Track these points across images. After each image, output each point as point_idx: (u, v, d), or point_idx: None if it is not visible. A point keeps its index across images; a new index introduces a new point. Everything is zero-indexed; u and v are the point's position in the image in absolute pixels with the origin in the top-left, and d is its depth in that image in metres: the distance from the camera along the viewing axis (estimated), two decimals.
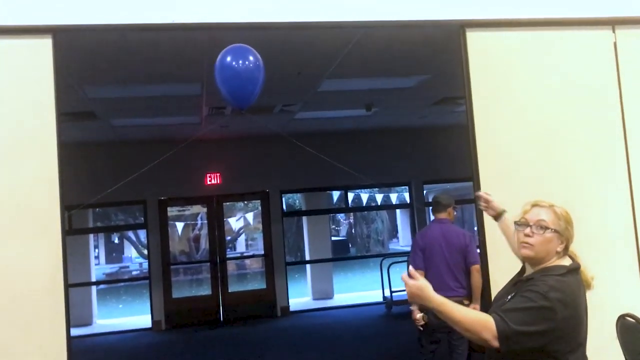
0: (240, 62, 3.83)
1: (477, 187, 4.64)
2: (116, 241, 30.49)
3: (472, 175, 4.70)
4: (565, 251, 2.34)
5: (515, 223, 2.39)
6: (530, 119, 4.77)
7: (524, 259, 2.39)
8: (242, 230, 22.38)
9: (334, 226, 28.25)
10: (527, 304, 2.12)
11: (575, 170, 4.79)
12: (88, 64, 5.35)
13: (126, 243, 27.44)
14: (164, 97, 7.04)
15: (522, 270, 2.46)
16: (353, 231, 27.44)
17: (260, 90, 3.97)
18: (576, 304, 2.21)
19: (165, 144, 9.74)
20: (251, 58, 3.86)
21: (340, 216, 28.56)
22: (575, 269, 2.31)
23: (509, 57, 4.79)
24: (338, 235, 27.47)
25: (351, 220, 27.58)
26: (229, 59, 3.82)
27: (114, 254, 30.51)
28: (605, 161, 4.86)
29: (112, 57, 5.25)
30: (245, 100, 3.95)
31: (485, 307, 4.67)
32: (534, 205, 2.39)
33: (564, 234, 2.33)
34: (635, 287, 4.79)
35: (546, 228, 2.30)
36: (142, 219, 10.30)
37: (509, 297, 2.25)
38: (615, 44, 4.93)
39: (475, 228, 4.77)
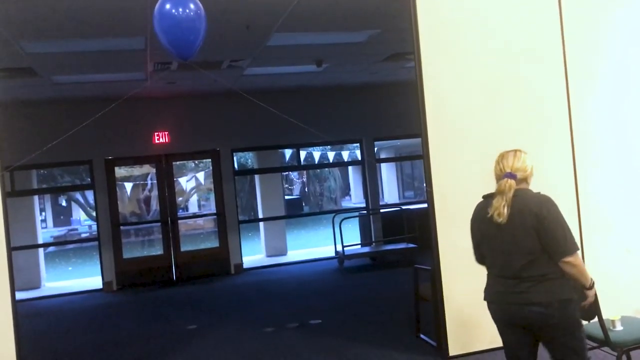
0: (180, 10, 3.69)
1: (425, 143, 4.70)
2: (64, 204, 29.73)
3: (420, 131, 4.75)
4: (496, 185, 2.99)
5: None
6: (477, 76, 4.84)
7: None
8: (194, 191, 22.16)
9: (287, 185, 28.28)
10: None
11: (520, 126, 4.91)
12: (23, 16, 5.07)
13: (74, 205, 26.79)
14: (106, 52, 6.78)
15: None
16: (306, 190, 27.56)
17: (202, 41, 3.85)
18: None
19: (111, 102, 9.46)
20: (192, 6, 3.73)
21: (294, 175, 28.58)
22: (485, 197, 3.06)
23: (457, 14, 4.80)
24: (291, 194, 27.54)
25: (304, 179, 27.65)
26: (167, 6, 3.67)
27: (62, 217, 29.76)
28: (549, 118, 5.00)
29: (48, 8, 4.98)
30: (187, 51, 3.83)
31: (433, 256, 4.80)
32: (503, 156, 3.07)
33: (495, 173, 3.02)
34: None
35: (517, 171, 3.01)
36: (89, 180, 10.02)
37: None
38: (559, 2, 5.00)
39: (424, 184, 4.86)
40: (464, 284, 4.73)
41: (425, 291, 5.18)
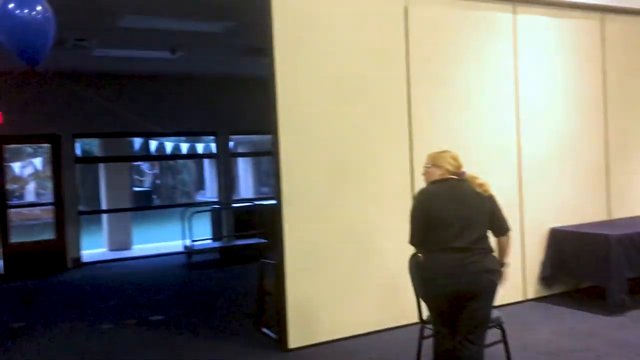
0: (26, 11, 3.38)
1: (275, 140, 4.73)
2: None
3: (272, 128, 4.77)
4: (446, 174, 3.45)
5: None
6: (330, 77, 4.96)
7: None
8: (31, 178, 20.34)
9: (137, 177, 26.99)
10: None
11: (366, 128, 5.12)
12: None
13: None
14: None
15: None
16: (158, 182, 26.55)
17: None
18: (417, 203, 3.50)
19: None
20: (39, 8, 3.43)
21: (145, 166, 27.37)
22: (436, 180, 3.48)
23: (311, 14, 4.89)
24: (142, 186, 26.36)
25: (157, 171, 26.61)
26: (11, 6, 3.34)
27: None
28: (392, 122, 5.27)
29: None
30: (35, 55, 3.60)
31: (279, 250, 4.85)
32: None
33: (438, 165, 3.49)
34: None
35: (427, 167, 3.58)
36: None
37: None
38: (406, 8, 5.30)
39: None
40: (308, 278, 4.84)
41: (270, 285, 5.22)
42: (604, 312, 5.36)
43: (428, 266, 3.36)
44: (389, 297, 5.19)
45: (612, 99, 6.54)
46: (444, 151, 3.56)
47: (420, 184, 5.24)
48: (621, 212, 6.59)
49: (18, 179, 16.76)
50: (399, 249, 5.22)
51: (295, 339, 4.78)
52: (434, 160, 3.53)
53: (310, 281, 4.86)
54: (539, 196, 6.03)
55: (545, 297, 6.01)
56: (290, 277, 4.77)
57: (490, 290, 3.32)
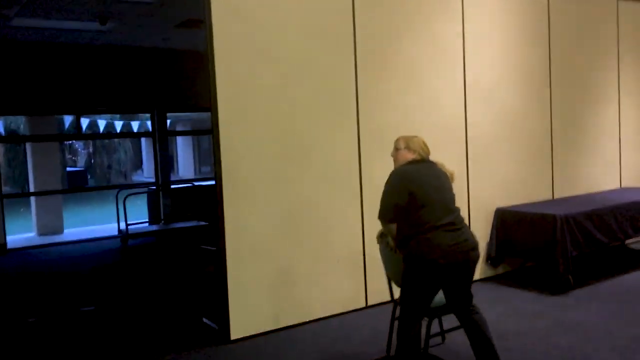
0: None
1: (215, 117, 4.40)
2: None
3: (211, 104, 4.43)
4: (417, 157, 3.50)
5: None
6: (273, 53, 4.64)
7: None
8: None
9: (70, 156, 25.80)
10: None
11: (311, 108, 4.85)
12: None
13: None
14: None
15: None
16: (92, 161, 25.46)
17: None
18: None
19: None
20: None
21: (78, 145, 26.15)
22: (413, 161, 3.48)
23: None
24: (75, 166, 25.22)
25: (90, 150, 25.50)
26: None
27: None
28: (340, 102, 5.02)
29: None
30: None
31: (219, 236, 4.54)
32: (395, 141, 3.62)
33: (412, 148, 3.51)
34: (356, 210, 5.13)
35: (398, 149, 3.57)
36: None
37: None
38: None
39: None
40: (250, 264, 4.57)
41: (210, 272, 4.92)
42: (550, 292, 5.35)
43: (423, 247, 3.22)
44: (336, 282, 5.00)
45: (557, 77, 6.52)
46: (414, 136, 3.60)
47: (369, 164, 5.12)
48: (565, 191, 6.63)
49: None
50: (347, 232, 5.06)
51: (238, 329, 4.52)
52: (408, 143, 3.55)
53: (253, 267, 4.59)
54: (485, 175, 5.96)
55: (491, 277, 5.98)
56: (231, 263, 4.48)
57: (475, 264, 3.40)
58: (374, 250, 5.13)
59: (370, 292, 5.19)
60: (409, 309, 3.34)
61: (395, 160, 3.57)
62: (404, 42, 5.36)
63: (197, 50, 7.98)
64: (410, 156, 3.50)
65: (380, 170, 5.13)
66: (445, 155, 4.20)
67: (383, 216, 3.41)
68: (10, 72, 8.78)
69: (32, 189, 10.53)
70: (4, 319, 5.43)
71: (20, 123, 16.45)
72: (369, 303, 5.18)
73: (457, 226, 3.30)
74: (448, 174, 3.50)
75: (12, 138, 15.66)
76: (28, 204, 11.53)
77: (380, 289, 5.18)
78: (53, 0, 6.40)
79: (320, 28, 4.89)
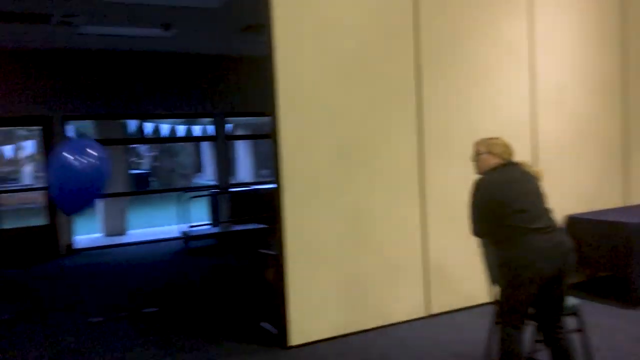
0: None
1: (275, 121, 4.38)
2: None
3: (272, 108, 4.40)
4: (503, 162, 3.32)
5: None
6: (333, 55, 4.59)
7: None
8: (27, 161, 20.00)
9: (135, 159, 26.63)
10: None
11: (372, 109, 4.76)
12: None
13: None
14: None
15: None
16: (156, 164, 26.19)
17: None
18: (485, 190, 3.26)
19: None
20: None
21: (143, 149, 26.98)
22: (494, 168, 3.31)
23: None
24: (140, 169, 26.02)
25: (154, 154, 26.25)
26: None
27: None
28: (400, 102, 4.90)
29: None
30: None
31: (279, 240, 4.52)
32: (474, 144, 3.44)
33: (494, 152, 3.33)
34: (417, 217, 4.99)
35: (479, 153, 3.40)
36: None
37: None
38: None
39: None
40: (310, 269, 4.51)
41: (269, 277, 4.90)
42: (623, 304, 5.05)
43: (518, 252, 3.10)
44: (398, 290, 4.87)
45: (633, 78, 6.17)
46: (495, 138, 3.42)
47: (431, 168, 4.97)
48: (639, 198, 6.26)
49: (11, 162, 16.41)
50: (408, 239, 4.93)
51: (297, 335, 4.47)
52: (489, 147, 3.37)
53: (313, 273, 4.54)
54: (555, 182, 5.67)
55: None
56: (291, 268, 4.44)
57: (572, 269, 3.22)
58: (437, 258, 5.00)
59: (434, 301, 5.03)
60: (510, 317, 3.19)
61: (476, 166, 3.41)
62: (468, 43, 5.18)
63: (257, 56, 8.01)
64: (493, 161, 3.33)
65: (442, 175, 5.01)
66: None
67: (476, 232, 3.29)
68: (78, 78, 9.11)
69: None
70: (70, 319, 5.59)
71: (89, 128, 17.09)
72: (433, 312, 5.03)
73: (551, 228, 3.15)
74: (534, 173, 3.33)
75: None
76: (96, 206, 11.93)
77: (445, 298, 5.05)
78: (118, 8, 6.57)
79: (381, 29, 4.79)
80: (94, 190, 4.86)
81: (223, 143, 10.80)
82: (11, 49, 8.47)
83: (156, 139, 16.81)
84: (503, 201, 3.15)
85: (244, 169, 24.48)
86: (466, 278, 5.08)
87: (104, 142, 10.58)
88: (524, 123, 5.50)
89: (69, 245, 9.27)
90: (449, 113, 5.07)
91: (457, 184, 4.76)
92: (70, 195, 4.69)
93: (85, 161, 4.74)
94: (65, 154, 4.65)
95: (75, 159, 4.65)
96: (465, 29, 5.16)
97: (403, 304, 4.90)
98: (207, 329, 5.07)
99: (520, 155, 5.44)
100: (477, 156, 3.40)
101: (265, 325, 4.93)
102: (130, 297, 6.35)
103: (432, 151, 4.99)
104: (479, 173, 3.37)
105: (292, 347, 4.44)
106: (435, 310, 5.03)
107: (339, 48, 4.60)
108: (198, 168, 26.22)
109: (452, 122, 5.06)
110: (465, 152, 4.69)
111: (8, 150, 13.04)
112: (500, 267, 3.22)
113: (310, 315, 4.53)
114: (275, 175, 4.45)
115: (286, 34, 4.36)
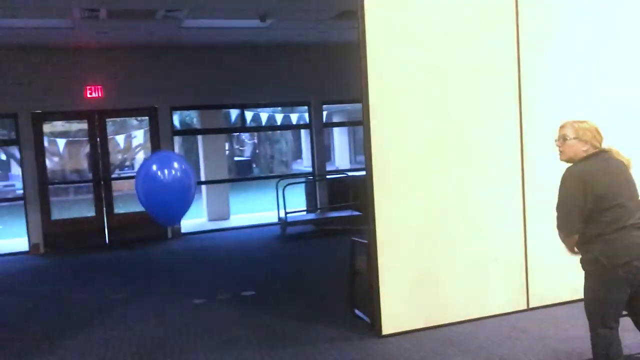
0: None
1: (365, 108, 4.35)
2: (3, 157, 28.36)
3: (363, 95, 4.37)
4: (592, 149, 3.04)
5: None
6: (426, 38, 4.47)
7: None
8: (139, 149, 21.30)
9: (238, 146, 27.62)
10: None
11: (468, 93, 4.59)
12: None
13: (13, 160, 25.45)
14: None
15: None
16: (257, 152, 27.01)
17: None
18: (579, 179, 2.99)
19: (36, 50, 8.72)
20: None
21: (245, 136, 27.92)
22: (589, 156, 3.04)
23: None
24: (242, 156, 26.96)
25: (255, 141, 27.08)
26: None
27: (0, 171, 28.48)
28: (498, 87, 4.69)
29: None
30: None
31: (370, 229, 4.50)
32: (560, 127, 3.14)
33: (583, 139, 3.03)
34: (518, 206, 4.78)
35: (569, 139, 3.06)
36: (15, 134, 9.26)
37: None
38: None
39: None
40: (402, 259, 4.46)
41: (362, 265, 4.90)
42: None
43: (613, 248, 2.90)
44: (494, 282, 4.71)
45: None
46: (584, 122, 3.11)
47: (533, 155, 4.72)
48: None
49: (125, 150, 17.53)
50: (506, 230, 4.73)
51: (389, 325, 4.44)
52: (578, 132, 3.06)
53: (405, 263, 4.48)
54: None
55: None
56: (383, 257, 4.41)
57: None
58: (537, 250, 4.77)
59: (533, 294, 4.81)
60: (603, 318, 2.98)
61: (562, 152, 3.13)
62: (574, 16, 4.85)
63: (352, 42, 7.98)
64: (581, 148, 3.04)
65: (546, 162, 4.72)
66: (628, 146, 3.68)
67: (566, 228, 3.00)
68: (182, 70, 9.53)
69: (202, 178, 11.38)
70: (174, 299, 5.91)
71: (194, 117, 17.92)
72: (531, 305, 4.81)
73: None
74: (626, 162, 3.08)
75: (185, 131, 17.13)
76: (200, 192, 12.49)
77: (545, 291, 4.82)
78: (218, 2, 6.78)
79: (479, 13, 4.59)
80: (182, 206, 5.27)
81: (319, 130, 10.91)
82: (121, 45, 9.01)
83: (254, 128, 17.36)
84: (600, 194, 2.91)
85: (342, 155, 24.63)
86: (569, 270, 4.78)
87: (204, 131, 11.10)
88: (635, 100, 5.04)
89: (176, 229, 9.78)
90: (553, 94, 4.78)
91: (560, 170, 4.48)
92: (162, 214, 5.11)
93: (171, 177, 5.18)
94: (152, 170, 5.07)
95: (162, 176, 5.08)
96: (570, 6, 4.83)
97: (500, 296, 4.73)
98: (302, 314, 5.17)
99: (630, 135, 5.07)
100: (563, 141, 3.10)
101: (359, 313, 4.94)
102: (230, 281, 6.61)
103: (534, 135, 4.73)
104: (565, 160, 3.11)
105: (383, 336, 4.42)
106: (536, 303, 4.81)
107: (432, 30, 4.47)
108: (298, 155, 26.72)
109: (556, 104, 4.77)
110: None
111: (121, 139, 13.96)
112: (590, 266, 2.98)
113: (401, 304, 4.48)
114: (366, 163, 4.43)
115: (377, 19, 4.30)
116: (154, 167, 5.39)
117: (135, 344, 4.69)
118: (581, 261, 3.05)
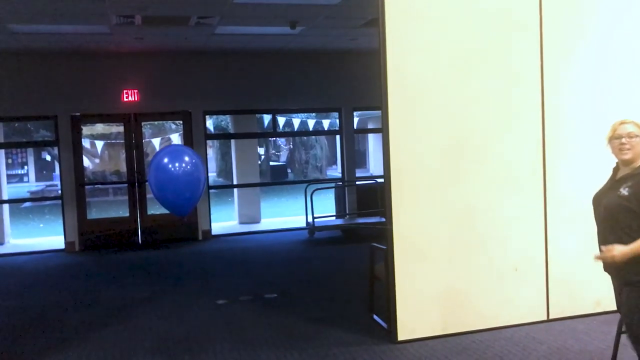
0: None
1: (385, 115, 4.39)
2: (48, 158, 29.31)
3: (381, 103, 4.42)
4: None
5: (610, 138, 2.96)
6: (446, 46, 4.49)
7: (624, 162, 2.94)
8: None
9: (274, 151, 27.89)
10: None
11: (488, 102, 4.58)
12: None
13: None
14: None
15: (615, 173, 3.01)
16: (292, 157, 27.21)
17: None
18: None
19: (76, 55, 9.05)
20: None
21: (281, 141, 28.16)
22: None
23: None
24: (278, 161, 27.20)
25: (291, 146, 27.28)
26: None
27: (45, 171, 29.44)
28: (520, 96, 4.66)
29: None
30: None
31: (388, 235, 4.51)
32: (622, 123, 2.95)
33: None
34: (539, 215, 4.74)
35: (636, 136, 2.88)
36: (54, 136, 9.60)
37: (622, 191, 2.85)
38: None
39: None
40: (418, 266, 4.48)
41: (380, 270, 4.93)
42: None
43: None
44: (512, 291, 4.67)
45: None
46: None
47: (555, 163, 4.67)
48: None
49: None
50: (527, 239, 4.69)
51: (405, 331, 4.46)
52: None
53: (422, 270, 4.49)
54: None
55: None
56: (400, 264, 4.43)
57: None
58: (558, 260, 4.71)
59: (554, 305, 4.75)
60: None
61: (629, 149, 2.87)
62: (592, 24, 4.78)
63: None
64: None
65: (568, 172, 4.69)
66: None
67: None
68: (215, 76, 9.73)
69: (235, 182, 11.56)
70: (198, 299, 6.05)
71: (228, 121, 18.23)
72: (551, 316, 4.75)
73: None
74: None
75: (217, 135, 17.46)
76: (232, 195, 12.70)
77: (566, 303, 4.75)
78: (248, 8, 6.93)
79: (500, 19, 4.58)
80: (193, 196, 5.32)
81: (349, 136, 10.96)
82: (156, 50, 9.27)
83: (284, 133, 17.62)
84: None
85: (376, 161, 24.57)
86: (590, 282, 4.72)
87: (237, 135, 11.28)
88: None
89: (206, 231, 9.97)
90: (576, 100, 4.73)
91: (583, 179, 4.43)
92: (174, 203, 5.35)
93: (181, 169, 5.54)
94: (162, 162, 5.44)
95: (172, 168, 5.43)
96: (594, 13, 4.78)
97: (519, 306, 4.68)
98: (322, 317, 5.22)
99: None
100: (630, 139, 2.87)
101: (377, 318, 4.97)
102: (254, 283, 6.71)
103: (556, 142, 4.69)
104: (629, 159, 2.88)
105: (400, 342, 4.44)
106: (556, 314, 4.74)
107: (451, 37, 4.48)
108: (333, 161, 26.79)
109: (579, 111, 4.72)
110: (592, 147, 4.37)
111: (157, 142, 14.33)
112: (625, 281, 2.82)
113: (418, 311, 4.49)
114: (384, 170, 4.47)
115: (397, 26, 4.34)
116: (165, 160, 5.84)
117: (156, 338, 4.84)
118: (628, 272, 2.82)
